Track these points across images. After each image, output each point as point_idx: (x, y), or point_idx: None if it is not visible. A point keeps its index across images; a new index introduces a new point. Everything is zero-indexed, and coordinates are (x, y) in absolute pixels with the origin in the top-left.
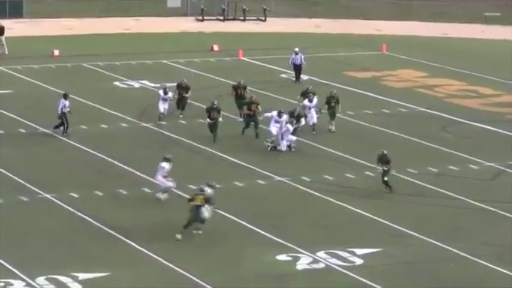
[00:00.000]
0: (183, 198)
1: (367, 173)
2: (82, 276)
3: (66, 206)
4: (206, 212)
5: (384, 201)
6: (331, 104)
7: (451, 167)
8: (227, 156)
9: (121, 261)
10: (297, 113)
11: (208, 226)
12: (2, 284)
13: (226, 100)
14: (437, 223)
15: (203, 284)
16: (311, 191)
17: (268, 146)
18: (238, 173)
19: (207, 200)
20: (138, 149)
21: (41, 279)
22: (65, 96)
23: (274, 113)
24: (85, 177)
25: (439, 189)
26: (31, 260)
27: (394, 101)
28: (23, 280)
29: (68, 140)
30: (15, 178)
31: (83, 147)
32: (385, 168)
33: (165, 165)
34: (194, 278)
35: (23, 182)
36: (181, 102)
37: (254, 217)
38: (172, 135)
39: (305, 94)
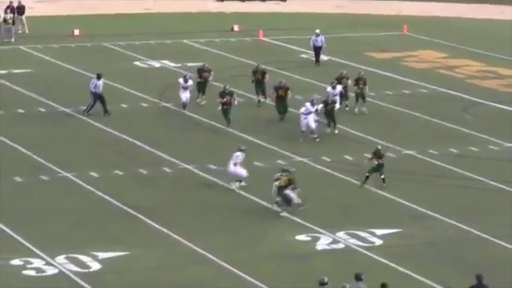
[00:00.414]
0: (203, 178)
1: (388, 154)
2: (102, 255)
3: (86, 185)
4: (291, 193)
5: (404, 182)
6: (359, 85)
7: (472, 148)
8: (247, 136)
9: (141, 240)
10: (331, 101)
11: (227, 206)
12: (22, 263)
13: (244, 81)
14: (458, 204)
15: (223, 263)
16: (331, 171)
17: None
18: (258, 153)
19: (290, 182)
20: (158, 129)
21: (60, 258)
22: (99, 77)
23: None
24: (105, 156)
25: (459, 170)
26: (51, 239)
27: (414, 81)
28: (43, 259)
29: (88, 120)
30: (35, 157)
31: (103, 127)
32: (379, 162)
33: (239, 154)
34: (214, 258)
35: (42, 161)
36: (201, 86)
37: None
38: (193, 115)
39: (340, 79)
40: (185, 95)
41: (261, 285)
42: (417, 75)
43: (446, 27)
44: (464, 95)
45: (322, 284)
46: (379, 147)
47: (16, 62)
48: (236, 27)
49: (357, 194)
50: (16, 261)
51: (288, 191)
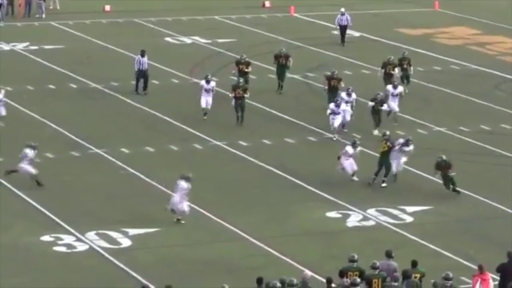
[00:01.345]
0: (233, 154)
1: (419, 130)
2: (132, 231)
3: (117, 162)
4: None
5: (435, 159)
6: (403, 65)
7: (504, 125)
8: (276, 113)
9: (171, 217)
10: (380, 99)
11: (258, 182)
12: (52, 239)
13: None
14: (489, 181)
15: (252, 239)
16: (362, 148)
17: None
18: (289, 130)
19: (392, 145)
20: (189, 105)
21: (91, 234)
22: (143, 54)
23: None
24: (136, 133)
25: (491, 148)
26: (81, 215)
27: (446, 58)
28: (73, 235)
29: (119, 96)
30: (67, 133)
31: (134, 103)
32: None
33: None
34: (244, 234)
35: (74, 137)
36: (243, 79)
37: (304, 174)
38: (223, 91)
39: (386, 65)
40: (206, 99)
41: (291, 262)
42: (449, 52)
43: (479, 3)
44: (496, 72)
45: (352, 261)
46: (443, 157)
47: (47, 38)
48: (267, 3)
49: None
50: (47, 238)
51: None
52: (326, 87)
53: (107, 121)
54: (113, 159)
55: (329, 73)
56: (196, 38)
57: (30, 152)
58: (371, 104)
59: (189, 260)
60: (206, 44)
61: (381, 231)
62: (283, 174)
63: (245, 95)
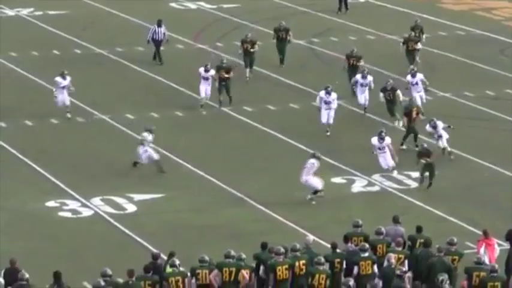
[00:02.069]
0: (239, 120)
1: (426, 96)
2: (137, 197)
3: (121, 127)
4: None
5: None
6: (415, 34)
7: (508, 91)
8: (281, 78)
9: (176, 182)
10: (390, 87)
11: (263, 148)
12: (58, 204)
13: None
14: (494, 147)
15: (257, 205)
16: (366, 114)
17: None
18: (294, 95)
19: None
20: (194, 71)
21: (96, 200)
22: (159, 24)
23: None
24: (141, 98)
25: (496, 113)
26: (86, 181)
27: (451, 23)
28: (78, 201)
29: (123, 61)
30: (71, 99)
31: (139, 69)
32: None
33: (314, 161)
34: (249, 200)
35: (78, 103)
36: (247, 59)
37: (310, 139)
38: (229, 57)
39: (408, 41)
40: (205, 88)
41: (296, 227)
42: (454, 17)
43: None
44: (501, 37)
45: (357, 226)
46: (424, 145)
47: (52, 3)
48: None
49: (393, 136)
50: (52, 203)
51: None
52: (346, 66)
53: (112, 87)
54: (118, 125)
55: (348, 52)
56: (201, 3)
57: (148, 136)
58: (381, 95)
59: (194, 226)
60: (211, 10)
61: (386, 196)
62: (288, 140)
63: (229, 76)
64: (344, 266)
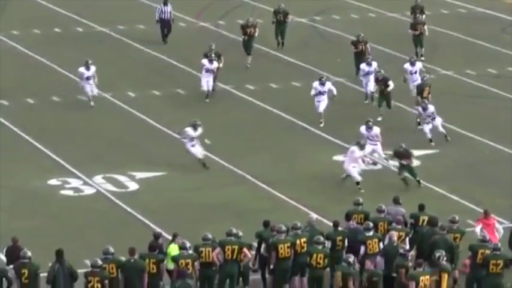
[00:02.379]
0: (240, 98)
1: (426, 75)
2: (139, 175)
3: (123, 105)
4: None
5: (442, 102)
6: (415, 13)
7: (510, 69)
8: (283, 56)
9: (178, 160)
10: (381, 77)
11: (265, 126)
12: (60, 182)
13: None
14: (496, 125)
15: (259, 183)
16: (374, 102)
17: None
18: (295, 73)
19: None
20: (196, 49)
21: (98, 178)
22: (165, 2)
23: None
24: (142, 76)
25: (497, 91)
26: (88, 159)
27: (453, 1)
28: (80, 179)
29: (125, 39)
30: (73, 77)
31: (141, 47)
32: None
33: (354, 149)
34: (250, 177)
35: (79, 81)
36: (247, 45)
37: (311, 117)
38: (231, 35)
39: (415, 25)
40: (207, 80)
41: (298, 205)
42: None
43: None
44: (503, 15)
45: (357, 204)
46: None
47: None
48: None
49: (395, 114)
50: (54, 181)
51: None
52: (353, 51)
53: (113, 65)
54: (119, 103)
55: (354, 38)
56: None
57: (191, 132)
58: (374, 84)
59: (196, 204)
60: None
61: (387, 174)
62: (290, 118)
63: (221, 62)
64: (346, 243)
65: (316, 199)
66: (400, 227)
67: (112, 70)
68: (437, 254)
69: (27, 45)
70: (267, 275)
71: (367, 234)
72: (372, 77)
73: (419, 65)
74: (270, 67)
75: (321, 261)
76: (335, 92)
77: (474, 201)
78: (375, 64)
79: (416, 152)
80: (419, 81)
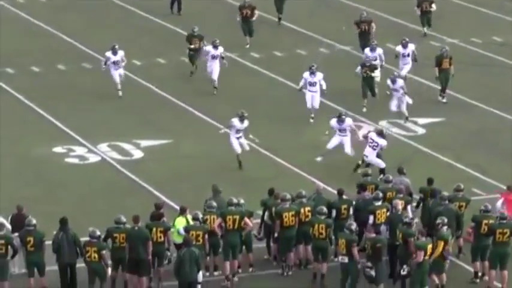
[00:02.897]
0: (245, 66)
1: (431, 42)
2: (144, 143)
3: (128, 73)
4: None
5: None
6: None
7: None
8: (288, 24)
9: (184, 129)
10: (369, 63)
11: (270, 94)
12: (65, 150)
13: None
14: (501, 93)
15: (264, 151)
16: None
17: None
18: (300, 41)
19: None
20: (202, 17)
21: (103, 146)
22: None
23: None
24: (148, 44)
25: (503, 59)
26: (93, 127)
27: None
28: (85, 146)
29: (133, 9)
30: (78, 45)
31: (146, 15)
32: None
33: (381, 141)
34: (256, 146)
35: (86, 49)
36: (245, 26)
37: None
38: (235, 3)
39: (422, 2)
40: (212, 68)
41: (302, 173)
42: None
43: None
44: None
45: (367, 175)
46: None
47: None
48: None
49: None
50: (59, 149)
51: None
52: (357, 32)
53: (118, 33)
54: (126, 72)
55: (357, 18)
56: None
57: (237, 123)
58: (359, 69)
59: (200, 172)
60: None
61: (393, 142)
62: (295, 86)
63: (200, 46)
64: (351, 212)
65: (321, 168)
66: (401, 195)
67: (117, 38)
68: (437, 221)
69: (31, 13)
70: (271, 244)
71: (376, 204)
72: (409, 60)
73: (411, 47)
74: (274, 35)
75: (323, 232)
76: (324, 86)
77: (479, 169)
78: (379, 50)
79: (421, 120)
80: (410, 64)
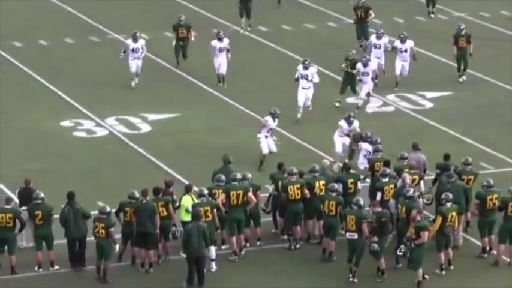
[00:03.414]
0: (252, 39)
1: (440, 16)
2: (152, 117)
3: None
4: None
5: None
6: None
7: None
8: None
9: (191, 102)
10: (352, 57)
11: (278, 67)
12: (72, 124)
13: None
14: (509, 67)
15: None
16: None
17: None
18: (308, 14)
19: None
20: None
21: (110, 120)
22: None
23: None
24: (155, 18)
25: (511, 33)
26: (101, 101)
27: None
28: (93, 120)
29: None
30: (86, 19)
31: None
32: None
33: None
34: (263, 119)
35: (93, 22)
36: (244, 7)
37: (324, 59)
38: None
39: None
40: (220, 63)
41: (312, 148)
42: None
43: None
44: None
45: (378, 151)
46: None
47: None
48: None
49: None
50: (67, 123)
51: None
52: (354, 19)
53: (125, 6)
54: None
55: (355, 3)
56: None
57: (271, 122)
58: (344, 64)
59: (208, 146)
60: None
61: (401, 116)
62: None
63: (189, 35)
64: (359, 187)
65: (327, 139)
66: (413, 171)
67: (125, 12)
68: (442, 196)
69: None
70: (278, 217)
71: (384, 180)
72: (382, 53)
73: (410, 43)
74: (282, 8)
75: (333, 209)
76: (317, 80)
77: (487, 143)
78: (385, 39)
79: (429, 94)
80: (409, 60)
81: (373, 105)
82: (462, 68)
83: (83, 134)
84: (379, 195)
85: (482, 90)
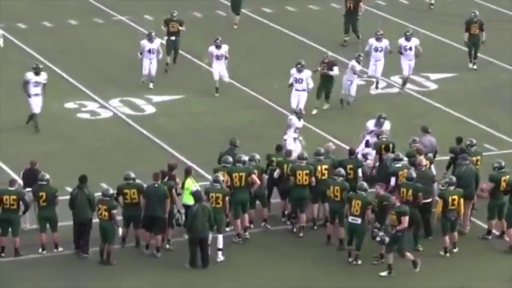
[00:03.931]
0: (259, 22)
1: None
2: (156, 98)
3: (140, 28)
4: None
5: (460, 26)
6: None
7: None
8: None
9: (195, 84)
10: (328, 60)
11: (282, 49)
12: (76, 105)
13: None
14: None
15: (276, 106)
16: (388, 16)
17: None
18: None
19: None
20: None
21: (114, 101)
22: None
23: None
24: (162, 0)
25: None
26: (105, 82)
27: None
28: (97, 102)
29: None
30: (90, 0)
31: None
32: None
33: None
34: (267, 101)
35: (97, 3)
36: (237, 2)
37: (328, 41)
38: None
39: None
40: (218, 68)
41: (317, 130)
42: None
43: None
44: None
45: (381, 135)
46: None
47: None
48: None
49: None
50: (71, 105)
51: None
52: (343, 14)
53: None
54: (137, 26)
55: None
56: None
57: (296, 122)
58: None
59: (212, 127)
60: None
61: (405, 98)
62: (308, 41)
63: (181, 29)
64: (359, 174)
65: (334, 123)
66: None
67: None
68: (446, 179)
69: None
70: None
71: (397, 165)
72: (382, 56)
73: (415, 41)
74: None
75: (338, 194)
76: (311, 85)
77: (491, 125)
78: (386, 41)
79: (433, 76)
80: (413, 59)
81: (378, 87)
82: (473, 55)
83: (87, 116)
84: (393, 180)
85: (486, 72)
